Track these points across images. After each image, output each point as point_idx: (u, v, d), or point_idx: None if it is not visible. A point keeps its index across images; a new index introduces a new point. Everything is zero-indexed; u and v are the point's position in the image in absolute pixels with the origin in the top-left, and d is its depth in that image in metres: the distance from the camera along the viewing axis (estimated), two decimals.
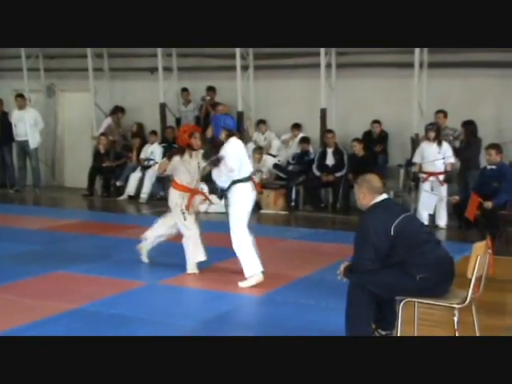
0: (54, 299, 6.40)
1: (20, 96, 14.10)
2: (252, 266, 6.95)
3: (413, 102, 11.77)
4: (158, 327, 5.65)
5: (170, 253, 7.78)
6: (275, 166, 12.65)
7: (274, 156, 12.85)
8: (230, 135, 7.06)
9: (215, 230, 8.22)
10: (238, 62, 12.89)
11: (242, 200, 6.97)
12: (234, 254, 7.04)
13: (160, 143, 13.49)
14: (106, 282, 7.09)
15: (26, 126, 13.99)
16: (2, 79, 15.19)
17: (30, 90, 14.53)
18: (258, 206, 12.26)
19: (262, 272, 6.96)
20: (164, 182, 13.32)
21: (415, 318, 5.05)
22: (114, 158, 13.86)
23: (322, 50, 12.17)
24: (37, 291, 6.69)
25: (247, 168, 7.07)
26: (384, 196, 4.97)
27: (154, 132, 13.64)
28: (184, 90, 13.69)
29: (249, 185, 7.02)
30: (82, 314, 5.97)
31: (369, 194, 4.91)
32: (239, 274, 7.01)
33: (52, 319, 5.78)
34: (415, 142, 11.54)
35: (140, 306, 6.31)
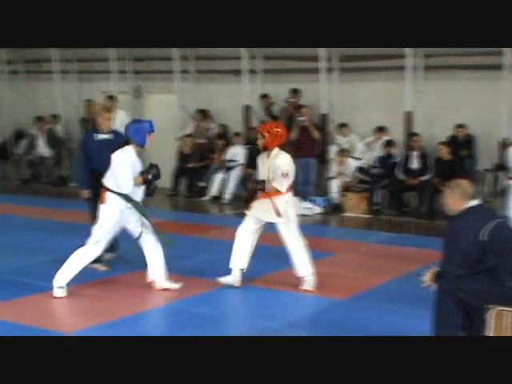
0: (141, 297, 6.53)
1: (110, 98, 14.46)
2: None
3: (501, 105, 11.47)
4: (240, 327, 5.70)
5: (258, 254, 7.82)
6: (358, 169, 12.56)
7: (357, 159, 12.75)
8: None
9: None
10: (323, 65, 12.88)
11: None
12: (317, 256, 7.01)
13: (243, 145, 13.59)
14: (191, 282, 7.18)
15: (115, 126, 14.31)
16: (91, 81, 15.61)
17: (118, 92, 14.88)
18: (340, 209, 12.22)
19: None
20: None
21: (505, 326, 4.91)
22: (198, 160, 14.05)
23: (409, 52, 12.01)
24: (125, 289, 6.84)
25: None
26: (475, 201, 4.87)
27: (237, 134, 13.76)
28: (264, 96, 13.73)
29: None
30: (169, 311, 6.09)
31: (460, 199, 4.82)
32: (324, 276, 6.98)
33: (141, 315, 5.92)
34: (503, 146, 11.24)
35: (223, 305, 6.37)
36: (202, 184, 13.86)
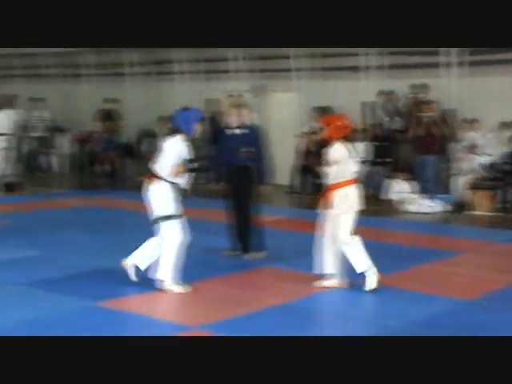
0: (263, 293, 6.61)
1: (233, 96, 14.67)
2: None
3: None
4: (363, 327, 5.66)
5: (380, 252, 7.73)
6: (487, 165, 12.16)
7: (488, 155, 12.33)
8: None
9: (416, 230, 8.03)
10: (445, 59, 12.59)
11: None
12: (444, 256, 6.85)
13: (362, 141, 13.48)
14: (313, 279, 7.20)
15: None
16: (214, 81, 15.93)
17: (240, 91, 15.09)
18: (465, 207, 11.88)
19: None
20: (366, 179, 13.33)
21: None
22: (317, 157, 14.03)
23: None
24: (248, 284, 6.95)
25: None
26: None
27: (356, 130, 13.62)
28: (383, 92, 13.54)
29: None
30: (290, 309, 6.11)
31: None
32: (452, 275, 6.82)
33: (264, 311, 5.98)
34: None
35: (346, 304, 6.34)
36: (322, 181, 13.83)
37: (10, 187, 13.94)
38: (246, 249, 8.09)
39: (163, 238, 6.52)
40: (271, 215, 11.44)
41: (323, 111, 14.28)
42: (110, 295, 6.39)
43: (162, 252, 6.51)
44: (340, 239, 6.61)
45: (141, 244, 6.74)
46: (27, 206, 12.01)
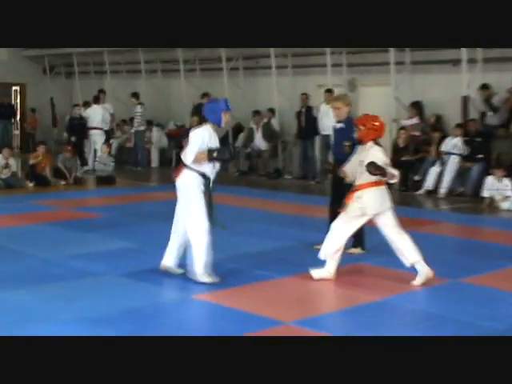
0: (357, 289, 6.53)
1: (328, 91, 14.58)
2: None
3: None
4: (461, 326, 5.49)
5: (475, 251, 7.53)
6: None
7: None
8: None
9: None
10: None
11: None
12: None
13: (462, 136, 13.11)
14: (406, 277, 7.05)
15: (329, 120, 14.44)
16: (307, 75, 15.87)
17: (333, 85, 14.97)
18: None
19: None
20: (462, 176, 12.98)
21: None
22: (413, 152, 13.77)
23: None
24: (341, 280, 6.86)
25: None
26: None
27: (459, 125, 13.27)
28: (483, 86, 13.10)
29: None
30: (385, 306, 6.01)
31: None
32: None
33: (357, 309, 5.90)
34: None
35: (439, 302, 6.18)
36: (417, 177, 13.56)
37: (102, 181, 14.32)
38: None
39: (189, 230, 6.55)
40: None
41: (416, 106, 14.02)
42: (203, 288, 6.44)
43: (191, 244, 6.54)
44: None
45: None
46: (120, 200, 12.30)
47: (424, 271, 6.69)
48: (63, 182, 14.00)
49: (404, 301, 6.22)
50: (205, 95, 16.17)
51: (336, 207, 7.26)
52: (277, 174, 15.94)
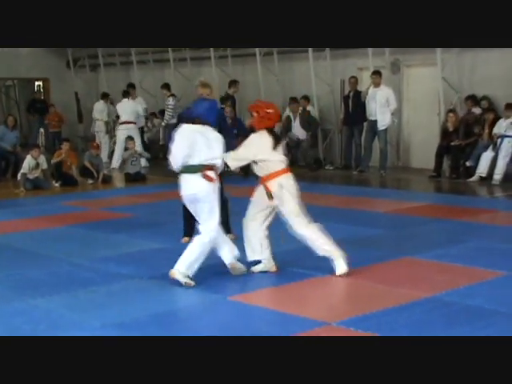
0: (405, 286, 6.46)
1: (376, 73, 14.46)
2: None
3: None
4: None
5: None
6: None
7: None
8: None
9: None
10: None
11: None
12: None
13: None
14: (460, 271, 6.97)
15: (377, 105, 14.35)
16: (347, 57, 15.74)
17: (374, 67, 14.84)
18: None
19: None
20: None
21: None
22: (463, 136, 13.57)
23: None
24: (387, 277, 6.81)
25: None
26: None
27: (509, 105, 13.03)
28: None
29: None
30: (436, 303, 5.93)
31: None
32: None
33: (405, 307, 5.84)
34: None
35: (499, 298, 6.07)
36: (469, 163, 13.37)
37: (132, 178, 14.41)
38: None
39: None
40: (410, 201, 11.21)
41: (472, 99, 13.73)
42: (238, 289, 6.45)
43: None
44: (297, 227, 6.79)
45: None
46: (150, 198, 12.36)
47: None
48: (91, 181, 14.13)
49: (457, 297, 6.12)
50: (232, 83, 16.12)
51: None
52: (317, 164, 15.87)
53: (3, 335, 5.18)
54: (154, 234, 8.94)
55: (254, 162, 6.84)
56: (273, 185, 6.74)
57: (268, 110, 6.81)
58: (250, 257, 6.92)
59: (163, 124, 17.50)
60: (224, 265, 6.85)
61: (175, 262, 6.87)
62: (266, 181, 6.79)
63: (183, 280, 6.45)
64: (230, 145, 8.28)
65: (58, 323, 5.61)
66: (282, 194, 6.74)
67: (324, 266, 6.94)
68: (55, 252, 8.01)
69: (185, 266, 6.49)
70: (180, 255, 6.67)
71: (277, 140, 6.82)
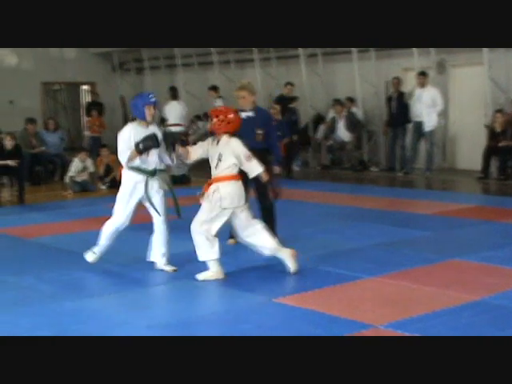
0: (453, 288, 6.38)
1: (422, 74, 14.32)
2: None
3: None
4: None
5: None
6: None
7: None
8: None
9: None
10: None
11: None
12: None
13: None
14: (508, 273, 6.87)
15: (422, 105, 14.21)
16: (391, 58, 15.63)
17: (420, 68, 14.70)
18: None
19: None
20: None
21: None
22: (511, 137, 13.37)
23: None
24: (435, 279, 6.73)
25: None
26: None
27: None
28: None
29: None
30: (485, 306, 5.85)
31: None
32: None
33: (453, 310, 5.76)
34: None
35: None
36: None
37: (177, 180, 14.49)
38: None
39: None
40: (457, 203, 11.09)
41: None
42: (283, 291, 6.44)
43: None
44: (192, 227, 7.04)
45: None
46: (194, 200, 12.38)
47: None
48: None
49: (506, 300, 6.02)
50: (287, 84, 16.10)
51: None
52: (362, 166, 15.78)
53: (52, 335, 5.25)
54: None
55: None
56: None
57: (228, 115, 6.95)
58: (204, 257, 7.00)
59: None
60: (272, 265, 6.87)
61: (220, 263, 6.91)
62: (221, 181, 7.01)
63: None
64: (275, 147, 8.29)
65: (106, 323, 5.67)
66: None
67: (371, 268, 6.90)
68: (104, 254, 8.08)
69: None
70: (223, 257, 6.70)
71: None
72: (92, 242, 7.55)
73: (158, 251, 7.42)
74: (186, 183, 14.51)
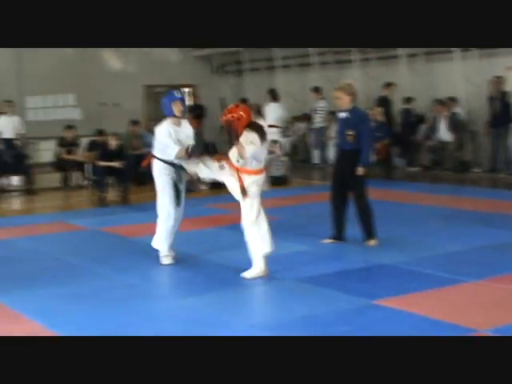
0: None
1: None
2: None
3: None
4: None
5: None
6: None
7: None
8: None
9: None
10: None
11: None
12: None
13: None
14: None
15: None
16: (493, 57, 15.21)
17: None
18: None
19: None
20: None
21: None
22: None
23: None
24: None
25: None
26: None
27: None
28: None
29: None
30: None
31: None
32: None
33: None
34: None
35: None
36: None
37: (276, 181, 14.55)
38: None
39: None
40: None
41: None
42: (384, 293, 6.37)
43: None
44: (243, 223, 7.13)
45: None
46: (293, 200, 12.44)
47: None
48: None
49: None
50: (389, 85, 15.90)
51: None
52: (463, 167, 15.42)
53: (153, 335, 5.30)
54: (297, 236, 9.00)
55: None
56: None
57: (232, 114, 7.05)
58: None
59: (315, 127, 17.40)
60: (371, 267, 6.81)
61: (319, 264, 6.90)
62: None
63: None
64: (363, 149, 8.20)
65: (207, 323, 5.74)
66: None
67: (474, 271, 6.75)
68: (202, 253, 8.20)
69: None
70: (324, 257, 6.69)
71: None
72: (193, 241, 7.67)
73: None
74: (284, 184, 14.55)
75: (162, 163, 7.67)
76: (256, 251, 7.03)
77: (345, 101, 8.18)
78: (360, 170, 8.13)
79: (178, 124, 7.72)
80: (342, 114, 8.26)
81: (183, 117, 7.78)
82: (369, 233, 8.22)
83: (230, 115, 7.02)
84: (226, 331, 5.40)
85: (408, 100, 16.15)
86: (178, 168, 7.67)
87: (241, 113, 7.06)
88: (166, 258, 7.74)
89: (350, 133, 8.11)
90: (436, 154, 15.98)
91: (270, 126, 16.62)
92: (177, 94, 7.66)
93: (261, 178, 7.14)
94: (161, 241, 7.78)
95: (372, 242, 8.18)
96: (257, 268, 7.00)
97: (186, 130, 7.81)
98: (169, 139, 7.53)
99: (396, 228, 9.26)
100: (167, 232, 7.74)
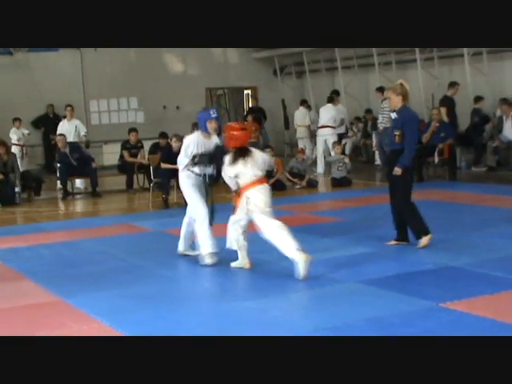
0: None
1: None
2: None
3: None
4: None
5: None
6: None
7: None
8: None
9: None
10: None
11: None
12: None
13: None
14: None
15: None
16: None
17: None
18: None
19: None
20: None
21: None
22: None
23: None
24: None
25: None
26: None
27: None
28: None
29: None
30: None
31: None
32: None
33: None
34: None
35: None
36: None
37: (338, 183, 14.48)
38: None
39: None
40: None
41: None
42: (450, 296, 6.26)
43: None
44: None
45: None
46: (356, 202, 12.35)
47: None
48: (298, 186, 14.40)
49: None
50: (453, 85, 15.64)
51: None
52: None
53: (219, 335, 5.31)
54: (361, 238, 8.93)
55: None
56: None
57: (232, 132, 7.39)
58: (228, 245, 7.63)
59: (380, 128, 17.24)
60: (437, 269, 6.81)
61: (384, 266, 6.83)
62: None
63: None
64: (405, 149, 8.08)
65: (271, 324, 5.74)
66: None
67: None
68: (264, 254, 8.17)
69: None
70: (389, 259, 6.60)
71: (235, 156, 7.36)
72: (255, 243, 7.66)
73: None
74: (347, 185, 14.48)
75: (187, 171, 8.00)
76: (287, 249, 7.09)
77: (394, 101, 8.13)
78: (397, 171, 8.04)
79: (208, 137, 7.97)
80: (393, 114, 8.25)
81: (217, 134, 8.06)
82: (416, 234, 8.15)
83: (227, 133, 7.41)
84: (291, 332, 5.39)
85: (477, 99, 15.87)
86: (203, 177, 7.99)
87: (234, 132, 7.38)
88: (209, 257, 7.86)
89: (397, 133, 8.05)
90: (501, 154, 15.67)
91: (323, 127, 16.67)
92: (213, 114, 7.92)
93: (254, 191, 7.34)
94: (206, 241, 7.86)
95: (422, 243, 8.08)
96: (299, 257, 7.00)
97: (215, 142, 8.03)
98: (183, 152, 7.92)
99: (461, 230, 9.12)
100: (208, 231, 7.87)
